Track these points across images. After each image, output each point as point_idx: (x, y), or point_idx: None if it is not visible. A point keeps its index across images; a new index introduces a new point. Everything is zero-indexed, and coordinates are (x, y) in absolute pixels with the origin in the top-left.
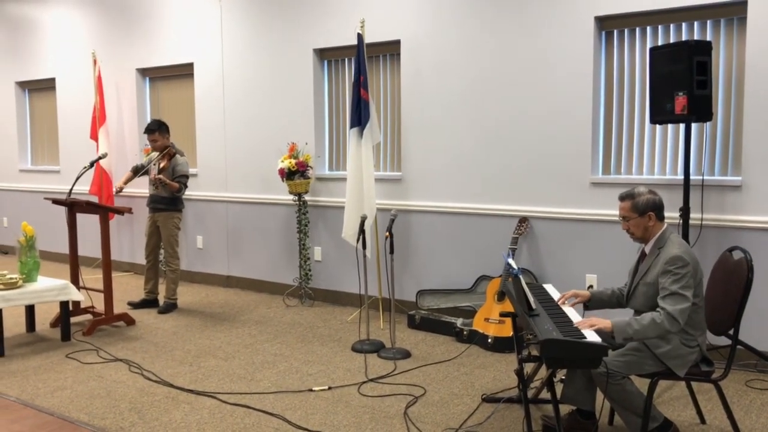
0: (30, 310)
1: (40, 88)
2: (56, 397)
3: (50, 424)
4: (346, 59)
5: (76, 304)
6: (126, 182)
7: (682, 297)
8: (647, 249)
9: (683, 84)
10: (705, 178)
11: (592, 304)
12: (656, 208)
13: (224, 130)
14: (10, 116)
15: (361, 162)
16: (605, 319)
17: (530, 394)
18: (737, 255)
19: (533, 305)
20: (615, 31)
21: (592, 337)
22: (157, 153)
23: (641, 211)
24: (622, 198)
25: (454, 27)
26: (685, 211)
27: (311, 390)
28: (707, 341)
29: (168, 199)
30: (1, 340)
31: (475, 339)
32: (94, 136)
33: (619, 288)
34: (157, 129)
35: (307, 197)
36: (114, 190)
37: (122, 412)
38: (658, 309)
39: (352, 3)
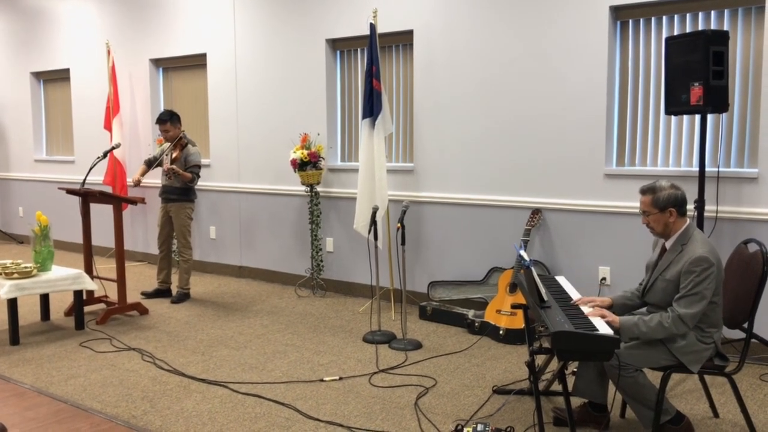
0: (44, 299)
1: (55, 78)
2: (70, 385)
3: (64, 411)
4: (359, 49)
5: (90, 293)
6: (142, 174)
7: (698, 301)
8: (668, 244)
9: (699, 74)
10: (720, 169)
11: (614, 311)
12: (677, 204)
13: (237, 121)
14: (26, 106)
15: (373, 153)
16: (615, 316)
17: (541, 386)
18: (753, 248)
19: (545, 297)
20: (630, 21)
21: (604, 329)
22: (169, 143)
23: (661, 206)
24: (643, 192)
25: (468, 17)
26: (700, 203)
27: (322, 380)
28: (721, 335)
29: (180, 190)
30: (16, 329)
31: (487, 330)
32: (108, 126)
33: (636, 288)
34: (168, 119)
35: (319, 188)
36: (132, 182)
37: (135, 401)
38: (669, 308)
39: None
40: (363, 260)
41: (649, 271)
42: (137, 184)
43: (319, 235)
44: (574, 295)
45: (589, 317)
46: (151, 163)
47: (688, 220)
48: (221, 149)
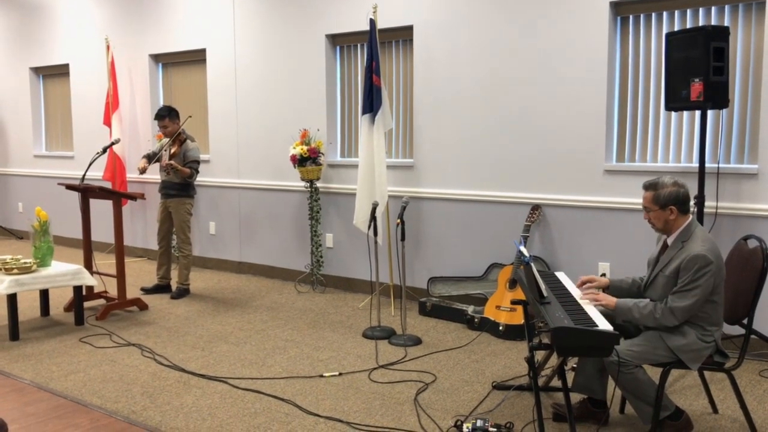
0: (44, 294)
1: (54, 73)
2: (70, 380)
3: (64, 407)
4: (359, 45)
5: (90, 288)
6: (146, 164)
7: (692, 297)
8: (670, 241)
9: (699, 70)
10: (720, 165)
11: (610, 292)
12: (678, 202)
13: (236, 116)
14: (25, 102)
15: (372, 148)
16: (611, 297)
17: (541, 382)
18: (752, 244)
19: (545, 293)
20: (630, 17)
21: (603, 325)
22: (168, 139)
23: (662, 204)
24: (645, 187)
25: (468, 13)
26: (699, 200)
27: (322, 376)
28: (722, 332)
29: (180, 185)
30: (16, 324)
31: (486, 326)
32: (107, 121)
33: (640, 277)
34: (167, 115)
35: (318, 184)
36: (139, 169)
37: (134, 396)
38: (664, 300)
39: None
40: (363, 256)
41: (650, 266)
42: (143, 171)
43: (318, 231)
44: (574, 290)
45: (586, 309)
46: (150, 158)
47: (691, 217)
48: (221, 145)
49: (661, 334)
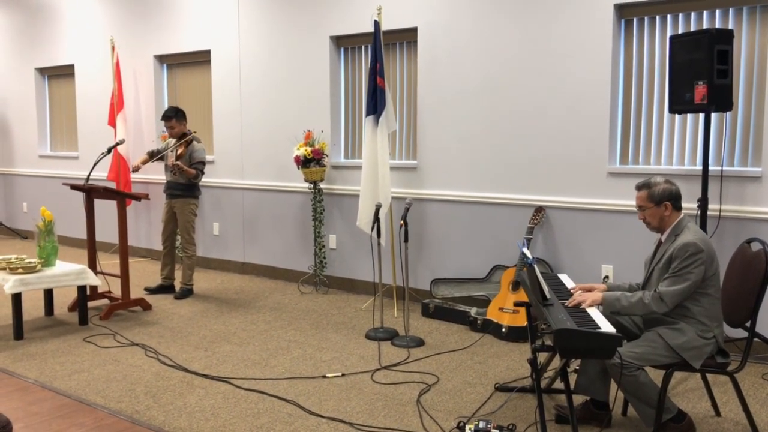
0: (48, 294)
1: (60, 74)
2: (74, 379)
3: (67, 406)
4: (363, 47)
5: (94, 288)
6: (143, 163)
7: (681, 282)
8: (663, 237)
9: (703, 73)
10: (724, 168)
11: None
12: (672, 198)
13: (240, 117)
14: (30, 102)
15: (376, 150)
16: (596, 293)
17: (544, 383)
18: (756, 247)
19: (547, 295)
20: (635, 19)
21: (606, 327)
22: (175, 139)
23: (657, 200)
24: (638, 188)
25: (472, 15)
26: (703, 202)
27: (325, 376)
28: (724, 333)
29: (185, 186)
30: (20, 324)
31: (489, 328)
32: (112, 122)
33: (637, 283)
34: (173, 116)
35: (322, 185)
36: (131, 168)
37: (138, 396)
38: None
39: None
40: (366, 257)
41: (647, 266)
42: (136, 170)
43: (322, 232)
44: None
45: (589, 311)
46: (153, 155)
47: (683, 213)
48: (225, 145)
49: (661, 333)
